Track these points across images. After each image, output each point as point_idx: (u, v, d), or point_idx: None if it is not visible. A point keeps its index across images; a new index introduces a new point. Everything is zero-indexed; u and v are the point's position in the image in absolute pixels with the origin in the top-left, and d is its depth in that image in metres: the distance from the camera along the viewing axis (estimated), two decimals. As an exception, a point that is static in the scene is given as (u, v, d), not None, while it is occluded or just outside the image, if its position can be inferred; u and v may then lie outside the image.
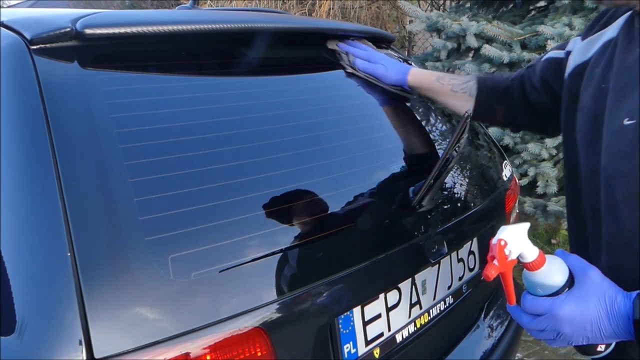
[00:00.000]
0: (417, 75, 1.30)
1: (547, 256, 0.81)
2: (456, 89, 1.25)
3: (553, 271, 0.81)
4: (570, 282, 0.80)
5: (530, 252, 0.81)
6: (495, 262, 0.80)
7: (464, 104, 1.25)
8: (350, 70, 1.31)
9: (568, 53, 1.03)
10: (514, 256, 0.80)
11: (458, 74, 1.29)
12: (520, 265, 0.82)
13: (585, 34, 0.99)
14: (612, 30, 0.91)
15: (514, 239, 0.80)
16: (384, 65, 1.30)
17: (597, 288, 0.78)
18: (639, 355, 0.85)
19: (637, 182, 0.78)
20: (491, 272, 0.79)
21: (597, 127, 0.86)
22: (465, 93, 1.24)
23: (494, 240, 0.80)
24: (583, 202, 0.93)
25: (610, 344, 0.82)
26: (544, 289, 0.81)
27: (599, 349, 0.83)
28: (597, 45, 0.93)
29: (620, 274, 0.81)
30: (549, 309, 0.79)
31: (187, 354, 0.75)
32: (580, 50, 0.98)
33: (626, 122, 0.79)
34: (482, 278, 0.78)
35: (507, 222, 1.56)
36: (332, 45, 1.32)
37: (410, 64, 1.39)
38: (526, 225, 0.82)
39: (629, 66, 0.82)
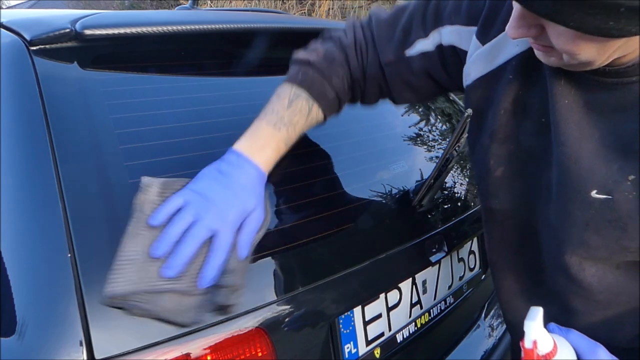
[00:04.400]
0: (270, 163, 0.89)
1: (555, 338, 0.72)
2: (304, 130, 0.96)
3: (565, 358, 0.73)
4: None
5: (547, 343, 0.72)
6: None
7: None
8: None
9: (455, 49, 0.87)
10: (543, 355, 0.71)
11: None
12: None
13: (482, 35, 0.82)
14: (518, 40, 0.75)
15: (541, 336, 0.71)
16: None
17: None
18: None
19: (606, 253, 0.71)
20: None
21: (535, 165, 0.77)
22: (313, 124, 0.97)
23: (528, 344, 0.70)
24: (523, 251, 0.86)
25: None
26: None
27: None
28: (505, 54, 0.78)
29: (571, 324, 0.76)
30: None
31: (188, 354, 0.75)
32: (483, 58, 0.81)
33: (595, 194, 0.68)
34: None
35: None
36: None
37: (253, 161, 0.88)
38: (541, 312, 0.72)
39: (579, 120, 0.70)
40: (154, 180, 0.79)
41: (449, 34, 0.87)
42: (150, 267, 0.72)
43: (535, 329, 0.70)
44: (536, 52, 0.68)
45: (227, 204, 0.78)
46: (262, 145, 0.87)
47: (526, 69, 0.76)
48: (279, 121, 0.89)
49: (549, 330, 0.73)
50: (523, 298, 0.90)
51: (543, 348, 0.71)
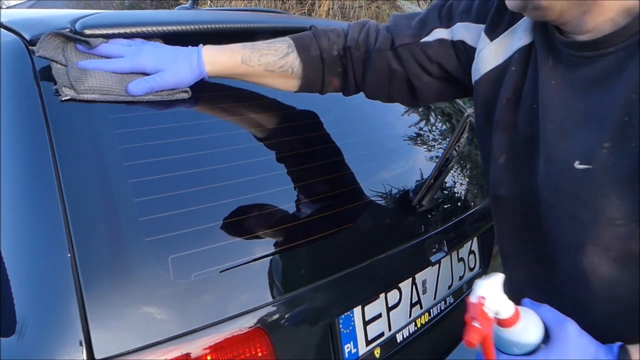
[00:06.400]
0: (216, 63, 0.95)
1: (519, 308, 0.73)
2: (271, 68, 0.98)
3: (529, 327, 0.74)
4: (546, 337, 0.73)
5: (506, 308, 0.73)
6: (476, 323, 0.71)
7: (287, 83, 1.01)
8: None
9: (464, 44, 0.92)
10: (492, 314, 0.72)
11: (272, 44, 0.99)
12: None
13: (490, 31, 0.87)
14: (522, 33, 0.82)
15: (492, 294, 0.72)
16: (138, 57, 0.90)
17: (576, 344, 0.71)
18: None
19: (596, 228, 0.72)
20: (474, 338, 0.71)
21: (533, 151, 0.79)
22: (286, 71, 0.99)
23: (473, 299, 0.71)
24: (522, 234, 0.86)
25: None
26: (520, 347, 0.74)
27: None
28: (511, 49, 0.83)
29: (582, 317, 0.75)
30: None
31: (188, 354, 0.75)
32: (491, 54, 0.86)
33: (578, 165, 0.71)
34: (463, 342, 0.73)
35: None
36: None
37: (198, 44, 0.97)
38: (500, 277, 0.74)
39: (565, 98, 0.73)
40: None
41: (459, 30, 0.93)
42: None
43: (486, 287, 0.71)
44: None
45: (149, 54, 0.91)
46: (220, 49, 0.96)
47: (525, 60, 0.81)
48: (250, 45, 0.98)
49: (522, 304, 0.74)
50: (534, 289, 0.89)
51: (492, 306, 0.71)
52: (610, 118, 0.68)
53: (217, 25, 1.04)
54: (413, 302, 1.16)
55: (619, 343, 0.69)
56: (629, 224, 0.68)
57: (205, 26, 1.02)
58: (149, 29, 0.94)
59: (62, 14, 0.96)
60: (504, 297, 0.73)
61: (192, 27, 1.00)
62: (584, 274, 0.77)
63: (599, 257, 0.74)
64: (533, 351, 0.73)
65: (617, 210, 0.69)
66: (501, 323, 0.73)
